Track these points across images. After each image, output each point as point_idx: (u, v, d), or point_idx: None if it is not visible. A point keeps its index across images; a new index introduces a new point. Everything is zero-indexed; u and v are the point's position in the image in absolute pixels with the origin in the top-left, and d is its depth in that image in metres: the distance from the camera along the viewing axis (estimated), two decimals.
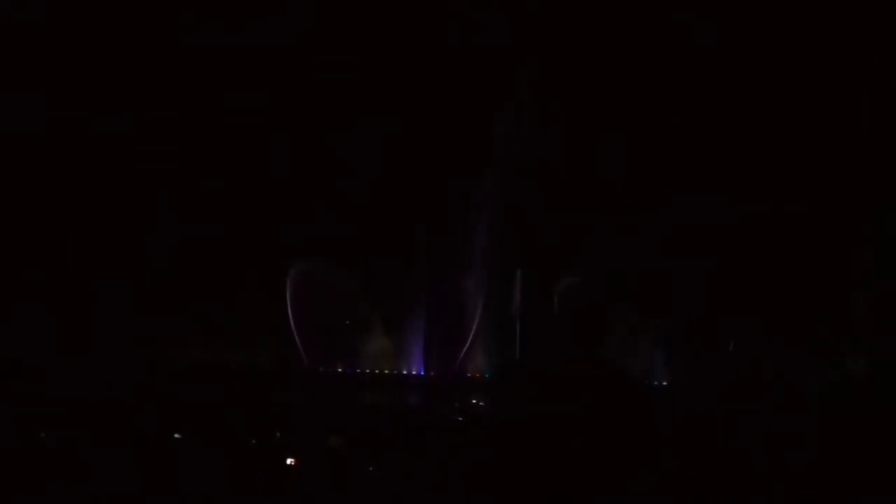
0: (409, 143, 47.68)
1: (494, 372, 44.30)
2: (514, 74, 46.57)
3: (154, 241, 45.44)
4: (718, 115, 45.86)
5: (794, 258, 44.43)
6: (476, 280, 46.74)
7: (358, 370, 45.51)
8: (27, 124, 43.23)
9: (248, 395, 37.15)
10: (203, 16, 45.40)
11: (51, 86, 44.09)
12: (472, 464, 19.20)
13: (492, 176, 46.40)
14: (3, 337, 37.51)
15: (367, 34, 47.31)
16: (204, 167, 45.80)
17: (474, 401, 35.78)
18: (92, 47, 44.76)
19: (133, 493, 16.12)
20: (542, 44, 46.96)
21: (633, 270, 45.05)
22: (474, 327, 46.54)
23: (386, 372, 45.70)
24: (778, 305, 44.09)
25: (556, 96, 46.79)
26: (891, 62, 42.91)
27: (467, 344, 46.23)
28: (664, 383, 42.09)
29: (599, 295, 45.47)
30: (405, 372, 45.77)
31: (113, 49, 45.24)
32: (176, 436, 20.83)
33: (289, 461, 18.38)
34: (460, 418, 31.13)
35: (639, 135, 47.41)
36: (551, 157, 47.15)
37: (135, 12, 45.45)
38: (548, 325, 46.56)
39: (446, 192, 46.90)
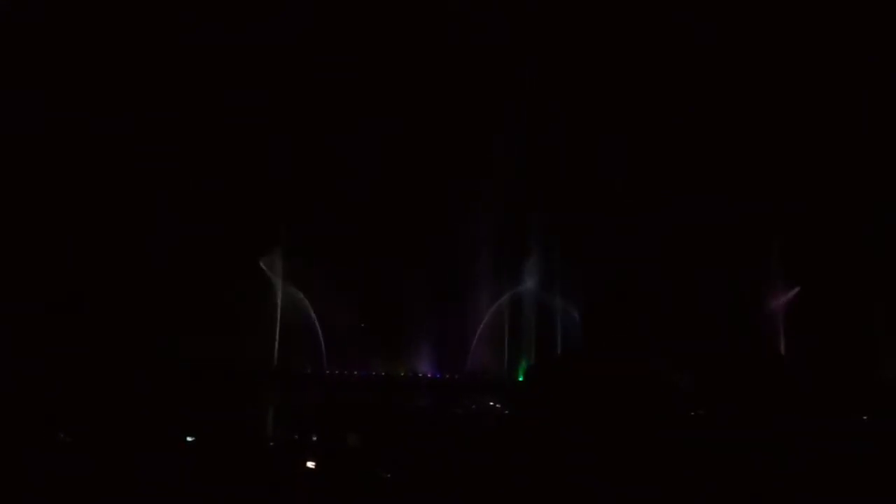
0: (409, 143, 47.68)
1: (525, 372, 44.30)
2: (514, 74, 46.57)
3: (154, 241, 45.37)
4: (718, 115, 45.87)
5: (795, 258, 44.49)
6: (480, 281, 46.70)
7: (373, 372, 45.40)
8: (27, 124, 43.17)
9: (263, 398, 37.26)
10: (203, 16, 45.40)
11: (51, 86, 44.06)
12: (491, 464, 19.24)
13: (492, 176, 46.30)
14: (5, 338, 37.49)
15: (367, 34, 47.31)
16: (204, 167, 45.73)
17: (491, 402, 35.73)
18: (92, 47, 44.73)
19: (149, 496, 16.11)
20: (541, 44, 46.97)
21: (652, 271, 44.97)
22: (479, 329, 46.57)
23: (402, 374, 45.64)
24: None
25: (555, 96, 46.79)
26: (891, 62, 42.92)
27: (472, 345, 46.23)
28: (690, 383, 41.50)
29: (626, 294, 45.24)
30: (419, 374, 45.69)
31: (113, 49, 45.21)
32: (188, 439, 20.82)
33: (309, 464, 18.34)
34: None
35: (639, 135, 47.41)
36: (551, 157, 47.14)
37: (135, 12, 45.44)
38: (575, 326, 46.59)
39: (446, 192, 46.90)
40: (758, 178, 45.19)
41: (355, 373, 45.16)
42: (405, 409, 35.89)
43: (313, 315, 45.85)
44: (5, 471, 17.33)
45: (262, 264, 46.24)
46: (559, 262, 46.61)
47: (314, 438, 21.82)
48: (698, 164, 45.91)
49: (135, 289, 43.93)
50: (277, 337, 45.67)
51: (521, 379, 45.23)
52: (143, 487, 16.43)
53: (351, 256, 46.30)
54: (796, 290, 45.25)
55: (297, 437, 22.40)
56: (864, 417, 31.54)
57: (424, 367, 45.85)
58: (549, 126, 46.72)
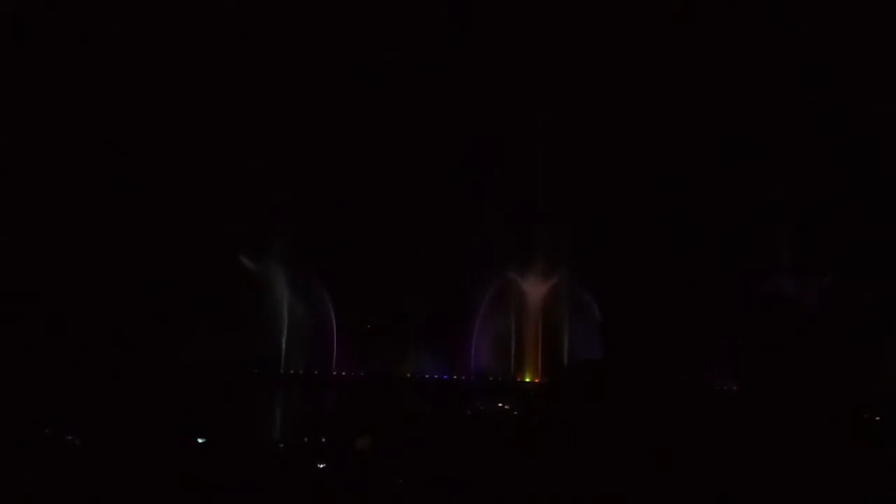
0: (409, 143, 47.70)
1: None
2: (515, 75, 46.64)
3: (154, 241, 45.28)
4: (718, 115, 45.97)
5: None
6: (481, 280, 46.75)
7: (379, 373, 45.36)
8: (27, 124, 43.10)
9: (272, 399, 37.29)
10: (203, 16, 45.33)
11: (51, 86, 43.96)
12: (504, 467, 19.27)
13: (492, 176, 46.34)
14: (5, 339, 37.40)
15: (366, 34, 47.30)
16: (203, 167, 45.67)
17: (500, 404, 35.76)
18: (92, 47, 44.64)
19: (160, 497, 16.17)
20: (542, 44, 47.03)
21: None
22: (476, 329, 46.60)
23: (408, 375, 45.60)
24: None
25: (556, 96, 46.85)
26: (891, 62, 43.09)
27: (473, 346, 46.25)
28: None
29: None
30: (426, 375, 45.68)
31: (113, 49, 45.12)
32: (200, 440, 20.90)
33: (320, 466, 18.47)
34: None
35: (638, 135, 47.48)
36: (551, 157, 47.20)
37: (135, 12, 45.36)
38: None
39: (446, 192, 46.95)
40: (759, 178, 45.34)
41: (362, 374, 45.16)
42: (413, 410, 35.90)
43: (331, 315, 45.85)
44: (12, 473, 17.35)
45: (242, 259, 46.05)
46: (562, 262, 46.63)
47: (323, 440, 21.93)
48: (698, 163, 46.02)
49: (135, 289, 43.83)
50: (285, 338, 45.65)
51: (528, 379, 45.35)
52: (153, 488, 16.49)
53: (351, 256, 46.28)
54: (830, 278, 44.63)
55: (306, 439, 22.52)
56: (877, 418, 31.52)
57: (430, 369, 45.85)
58: (552, 128, 46.80)
